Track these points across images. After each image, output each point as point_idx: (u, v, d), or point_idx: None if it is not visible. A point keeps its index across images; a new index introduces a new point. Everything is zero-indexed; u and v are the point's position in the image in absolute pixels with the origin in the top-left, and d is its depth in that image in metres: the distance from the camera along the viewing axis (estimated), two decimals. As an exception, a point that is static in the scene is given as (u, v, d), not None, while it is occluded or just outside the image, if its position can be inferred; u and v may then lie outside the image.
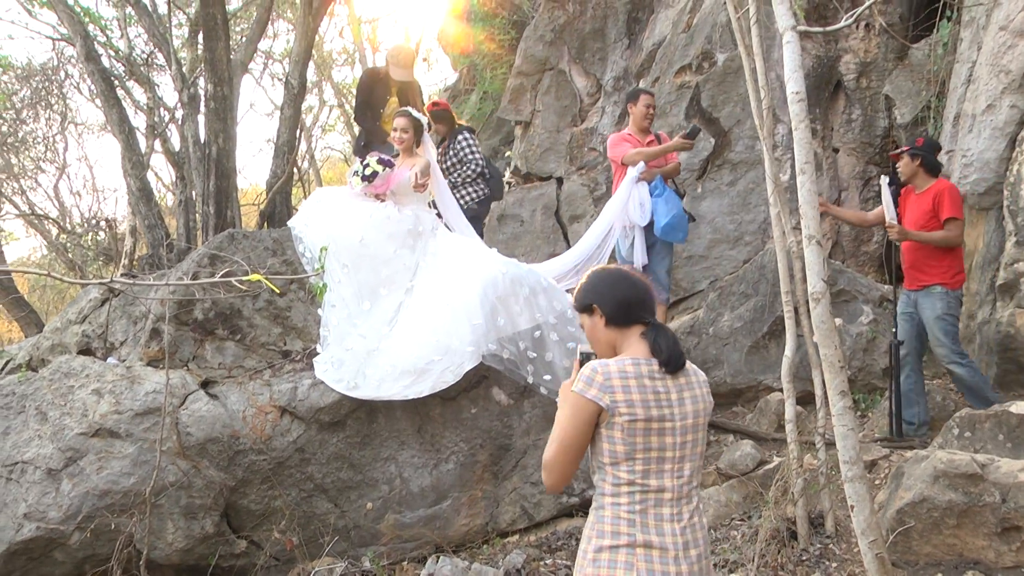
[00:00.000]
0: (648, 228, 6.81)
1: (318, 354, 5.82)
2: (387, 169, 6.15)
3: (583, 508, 5.75)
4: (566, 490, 5.72)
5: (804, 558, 4.69)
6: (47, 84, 17.34)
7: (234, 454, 5.38)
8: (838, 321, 6.72)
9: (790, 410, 4.83)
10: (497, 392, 5.76)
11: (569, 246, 9.48)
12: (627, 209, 6.76)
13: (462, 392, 5.70)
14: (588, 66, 10.82)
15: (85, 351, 6.22)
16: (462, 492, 5.65)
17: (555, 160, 10.85)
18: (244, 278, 3.20)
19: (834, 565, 4.64)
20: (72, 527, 5.11)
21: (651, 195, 6.77)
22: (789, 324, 4.88)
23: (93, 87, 9.16)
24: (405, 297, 5.92)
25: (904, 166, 6.02)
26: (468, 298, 5.62)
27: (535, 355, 5.65)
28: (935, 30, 7.64)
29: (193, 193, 8.41)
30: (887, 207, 5.84)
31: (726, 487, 5.54)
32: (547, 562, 5.18)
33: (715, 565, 4.84)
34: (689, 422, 2.61)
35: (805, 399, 5.94)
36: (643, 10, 10.51)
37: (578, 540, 5.48)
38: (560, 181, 10.62)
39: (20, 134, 18.24)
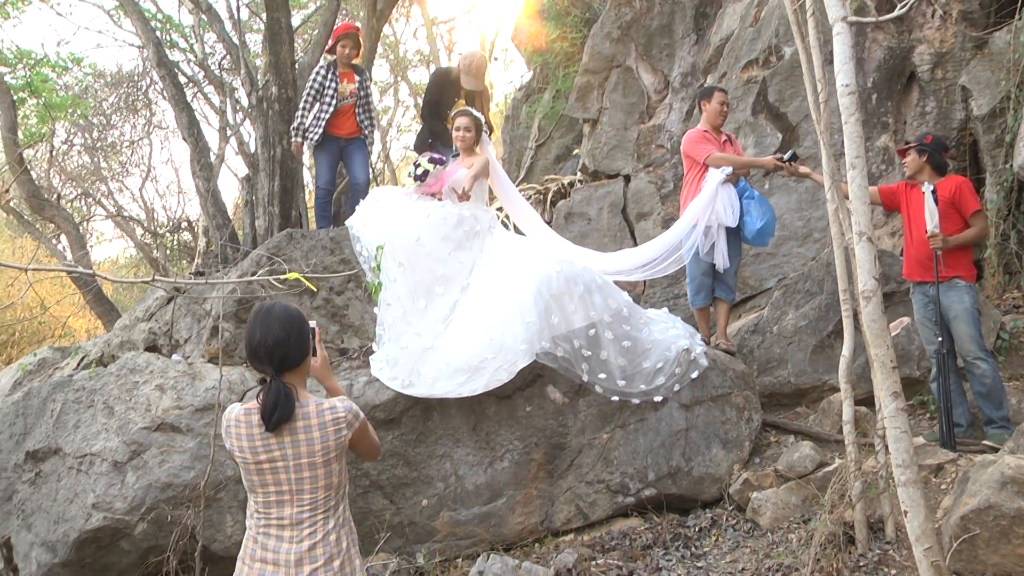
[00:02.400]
0: (730, 229, 6.64)
1: (374, 352, 5.88)
2: (439, 167, 6.18)
3: (639, 508, 5.70)
4: (621, 490, 5.67)
5: (862, 564, 4.56)
6: (133, 90, 17.94)
7: (291, 450, 5.45)
8: (905, 320, 6.51)
9: (847, 411, 4.70)
10: (552, 390, 5.73)
11: (636, 244, 9.38)
12: (714, 209, 6.58)
13: (517, 390, 5.69)
14: (655, 63, 10.69)
15: (152, 348, 6.40)
16: (517, 490, 5.64)
17: (622, 158, 10.74)
18: (282, 276, 3.25)
19: (893, 572, 4.50)
20: (136, 518, 5.27)
21: (740, 196, 6.62)
22: (847, 323, 4.75)
23: (165, 92, 9.38)
24: (460, 295, 5.93)
25: (911, 162, 5.86)
26: (522, 296, 5.61)
27: (589, 353, 5.61)
28: (1016, 16, 7.33)
29: (260, 194, 8.59)
30: (930, 215, 5.67)
31: (784, 489, 5.41)
32: (599, 562, 5.13)
33: (768, 569, 4.74)
34: (304, 461, 2.97)
35: (869, 400, 5.78)
36: (711, 5, 10.33)
37: (632, 540, 5.46)
38: (627, 179, 10.50)
39: (109, 139, 18.91)
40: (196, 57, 13.13)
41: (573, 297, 5.64)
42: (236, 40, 10.45)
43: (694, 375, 5.88)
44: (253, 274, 5.92)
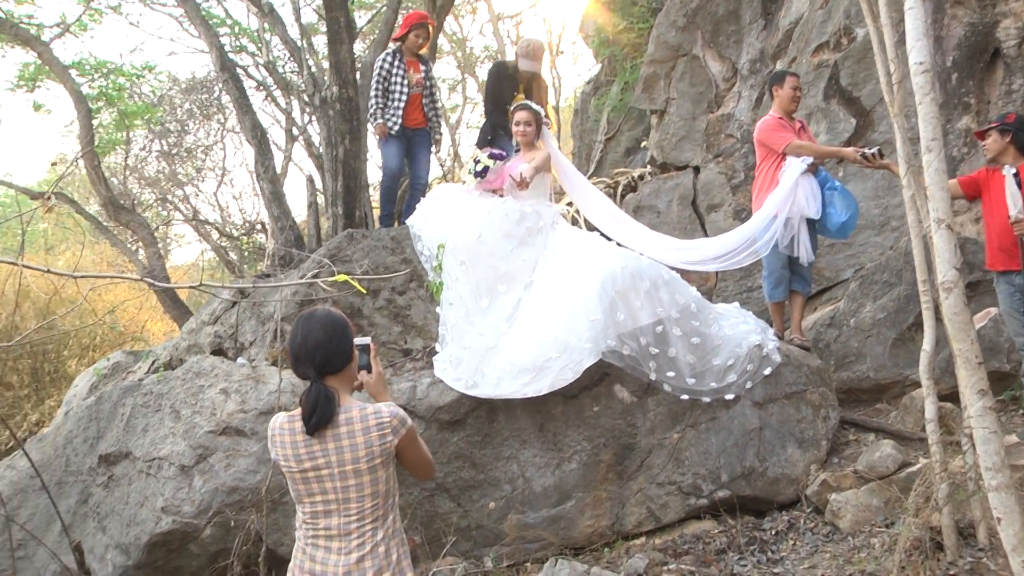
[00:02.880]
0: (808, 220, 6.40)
1: (437, 353, 5.80)
2: (499, 163, 6.07)
3: (712, 510, 5.51)
4: (694, 491, 5.50)
5: (952, 572, 4.30)
6: (207, 95, 18.24)
7: (356, 452, 5.41)
8: (992, 310, 6.19)
9: (931, 409, 4.44)
10: (620, 389, 5.58)
11: (707, 236, 9.16)
12: (795, 200, 6.33)
13: (584, 390, 5.55)
14: (723, 50, 10.41)
15: (217, 351, 6.43)
16: (586, 492, 5.51)
17: (691, 148, 10.50)
18: (329, 279, 3.19)
19: (987, 581, 4.24)
20: (204, 522, 5.28)
21: (822, 187, 6.37)
22: (927, 315, 4.49)
23: (229, 95, 9.47)
24: (524, 293, 5.82)
25: (992, 143, 5.55)
26: (586, 293, 5.47)
27: (657, 351, 5.44)
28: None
29: (325, 195, 8.60)
30: (1012, 199, 5.36)
31: (864, 491, 5.17)
32: (671, 567, 4.96)
33: (849, 576, 4.53)
34: (348, 468, 2.89)
35: (955, 395, 5.50)
36: (779, -12, 10.03)
37: (706, 544, 5.28)
38: (696, 170, 10.26)
39: (185, 144, 19.27)
40: (263, 61, 13.26)
41: (639, 293, 5.49)
42: (299, 42, 10.48)
43: (767, 372, 5.66)
44: (315, 275, 5.89)
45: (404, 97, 7.76)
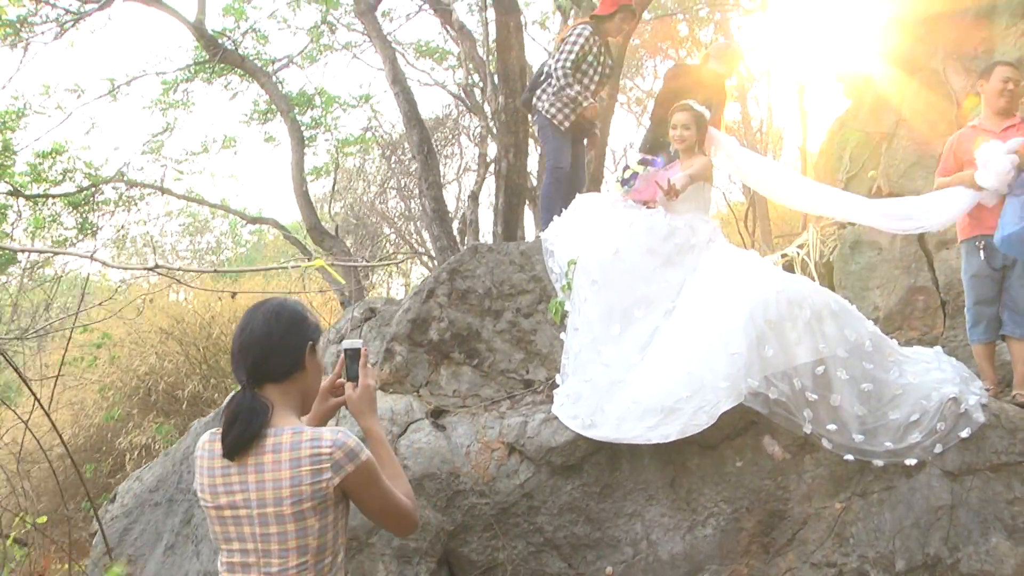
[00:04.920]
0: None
1: (559, 386, 5.01)
2: (649, 169, 5.23)
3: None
4: (861, 573, 4.34)
5: None
6: (446, 133, 18.34)
7: (453, 494, 4.72)
8: None
9: None
10: (769, 443, 4.54)
11: (934, 276, 7.92)
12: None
13: (724, 439, 4.57)
14: (967, 62, 8.97)
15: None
16: (722, 566, 4.49)
17: (923, 176, 9.08)
18: (306, 264, 2.57)
19: None
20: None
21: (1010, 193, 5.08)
22: None
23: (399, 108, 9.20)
24: (663, 321, 4.92)
25: None
26: (729, 322, 4.51)
27: (815, 397, 4.36)
28: None
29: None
30: None
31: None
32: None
33: None
34: (269, 511, 2.17)
35: None
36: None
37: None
38: (928, 201, 8.86)
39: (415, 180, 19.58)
40: (462, 82, 13.17)
41: (796, 324, 4.44)
42: (482, 57, 10.12)
43: (964, 433, 4.38)
44: (430, 292, 5.28)
45: (592, 85, 6.92)
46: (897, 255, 9.04)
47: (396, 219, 19.87)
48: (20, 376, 4.61)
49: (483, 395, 5.22)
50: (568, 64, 6.72)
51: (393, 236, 19.46)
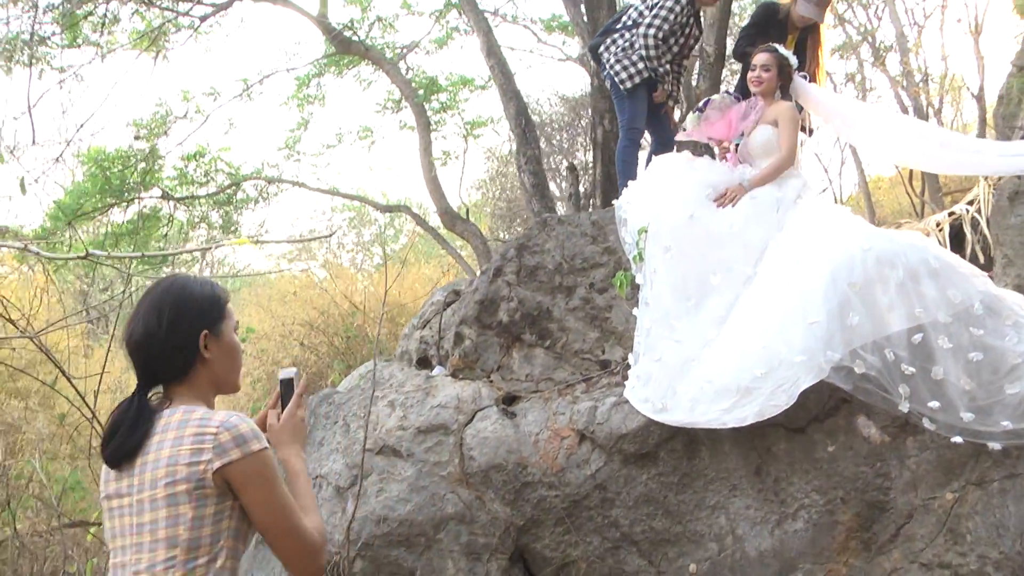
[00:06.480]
0: None
1: (631, 367, 4.58)
2: (728, 97, 4.72)
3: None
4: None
5: None
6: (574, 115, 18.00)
7: (521, 486, 4.40)
8: None
9: None
10: (864, 424, 3.95)
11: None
12: None
13: (812, 421, 4.03)
14: None
15: (423, 359, 5.74)
16: (816, 564, 3.96)
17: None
18: (233, 241, 2.32)
19: None
20: (353, 553, 4.58)
21: None
22: None
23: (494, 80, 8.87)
24: (743, 288, 4.39)
25: None
26: (808, 286, 3.95)
27: (913, 370, 3.73)
28: None
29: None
30: None
31: None
32: None
33: None
34: (146, 495, 1.93)
35: None
36: None
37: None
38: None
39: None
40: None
41: (888, 286, 3.82)
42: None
43: (1103, 411, 3.65)
44: (498, 271, 4.96)
45: (669, 54, 6.36)
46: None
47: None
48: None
49: (557, 378, 4.85)
50: (659, 36, 6.16)
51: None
